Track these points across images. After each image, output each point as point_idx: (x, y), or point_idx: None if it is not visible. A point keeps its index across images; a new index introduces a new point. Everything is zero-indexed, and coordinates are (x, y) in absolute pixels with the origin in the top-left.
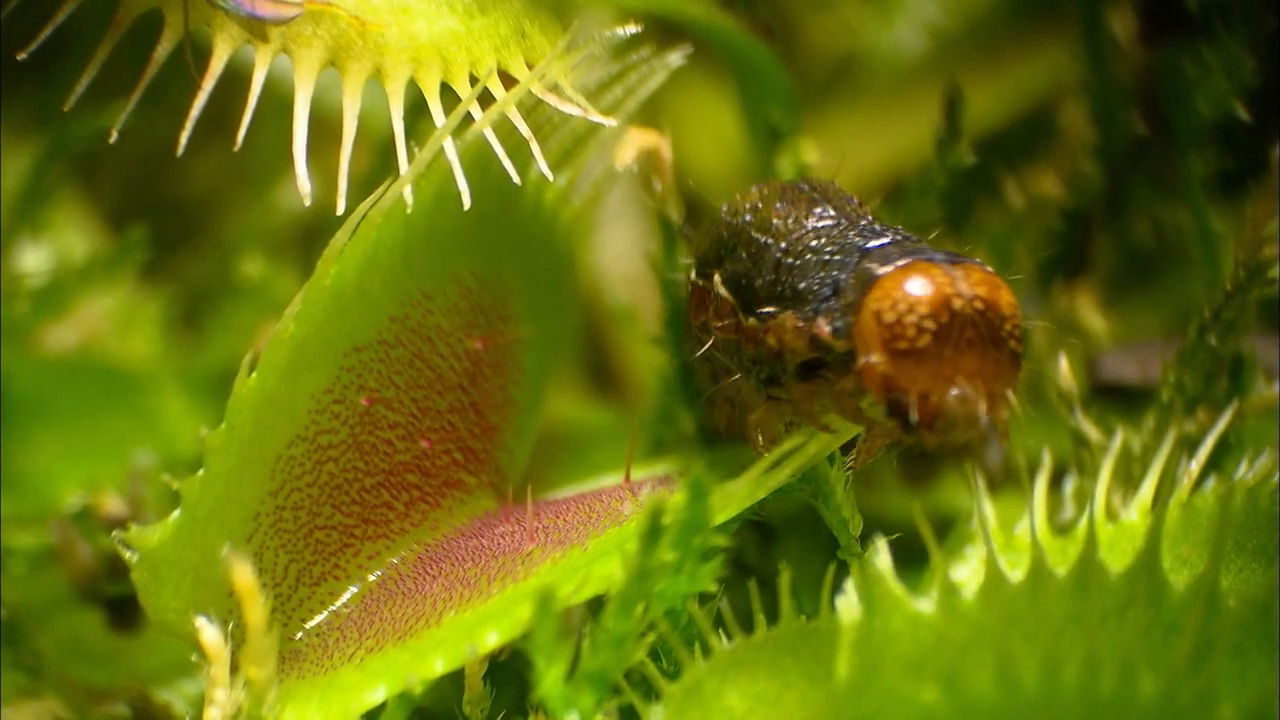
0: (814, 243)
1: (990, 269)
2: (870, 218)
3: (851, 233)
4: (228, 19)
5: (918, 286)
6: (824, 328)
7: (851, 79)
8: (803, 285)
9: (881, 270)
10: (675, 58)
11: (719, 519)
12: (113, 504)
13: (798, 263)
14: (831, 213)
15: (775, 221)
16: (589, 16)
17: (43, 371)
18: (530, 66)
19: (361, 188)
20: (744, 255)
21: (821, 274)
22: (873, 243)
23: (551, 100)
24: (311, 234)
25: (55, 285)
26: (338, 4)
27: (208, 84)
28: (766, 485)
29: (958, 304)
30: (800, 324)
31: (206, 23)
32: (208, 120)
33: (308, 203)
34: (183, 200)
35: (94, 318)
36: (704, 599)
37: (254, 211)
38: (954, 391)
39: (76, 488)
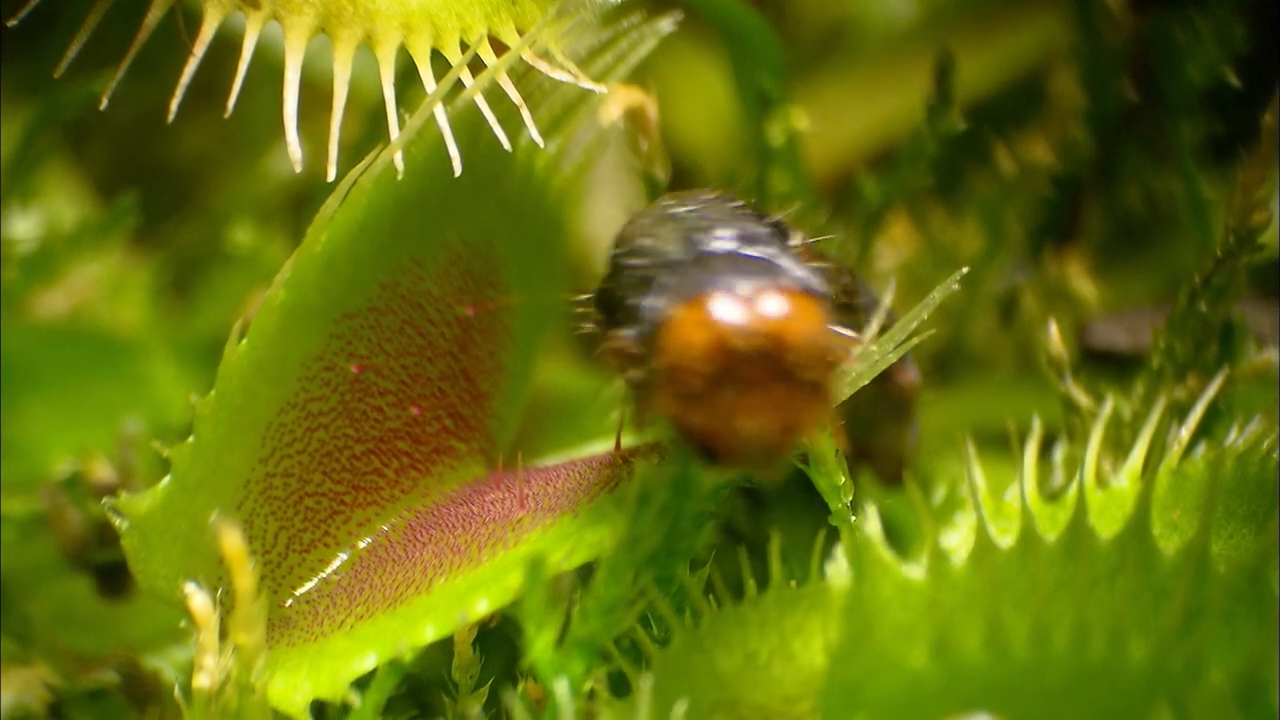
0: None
1: (799, 287)
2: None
3: (684, 242)
4: None
5: (695, 333)
6: (631, 350)
7: (842, 46)
8: (628, 302)
9: (667, 310)
10: (665, 24)
11: (709, 484)
12: (102, 471)
13: (628, 278)
14: (677, 227)
15: (638, 240)
16: None
17: (33, 338)
18: (521, 33)
19: (352, 154)
20: (611, 274)
21: (638, 294)
22: (699, 252)
23: (542, 67)
24: (301, 201)
25: (45, 252)
26: None
27: (198, 51)
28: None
29: (737, 344)
30: (616, 344)
31: None
32: (198, 87)
33: (299, 169)
34: (173, 167)
35: (84, 285)
36: (694, 565)
37: (244, 179)
38: (742, 427)
39: (66, 454)
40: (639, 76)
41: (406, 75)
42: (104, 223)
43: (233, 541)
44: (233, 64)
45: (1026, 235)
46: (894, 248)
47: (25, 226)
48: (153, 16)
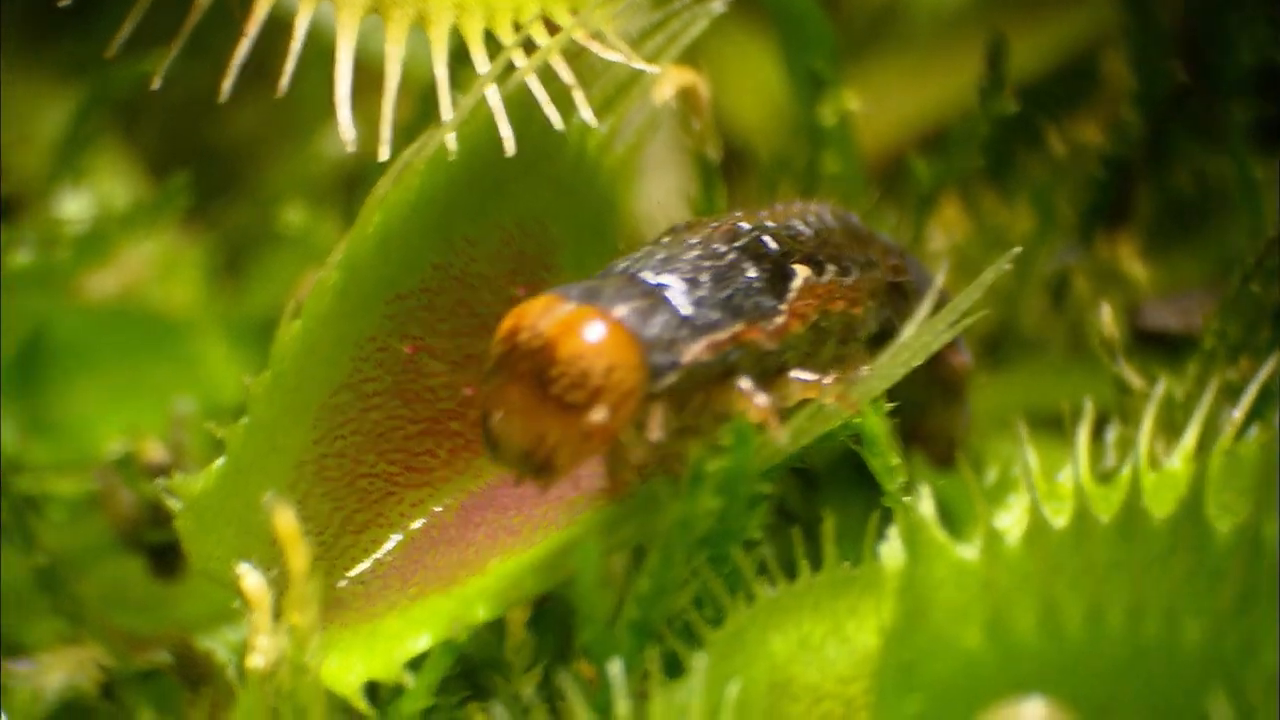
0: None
1: (599, 311)
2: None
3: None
4: None
5: (509, 316)
6: None
7: (893, 28)
8: None
9: None
10: (717, 4)
11: (762, 465)
12: (154, 451)
13: None
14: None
15: None
16: None
17: (84, 319)
18: (574, 13)
19: (403, 134)
20: None
21: None
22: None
23: (594, 48)
24: (353, 181)
25: (97, 232)
26: None
27: (251, 30)
28: (810, 432)
29: (522, 336)
30: None
31: None
32: (249, 67)
33: (351, 149)
34: (224, 148)
35: (135, 265)
36: (748, 546)
37: (295, 159)
38: (495, 418)
39: (117, 435)
40: (690, 57)
41: (457, 56)
42: (155, 203)
43: (287, 521)
44: (283, 43)
45: (1077, 217)
46: (945, 230)
47: (77, 207)
48: (198, 6)
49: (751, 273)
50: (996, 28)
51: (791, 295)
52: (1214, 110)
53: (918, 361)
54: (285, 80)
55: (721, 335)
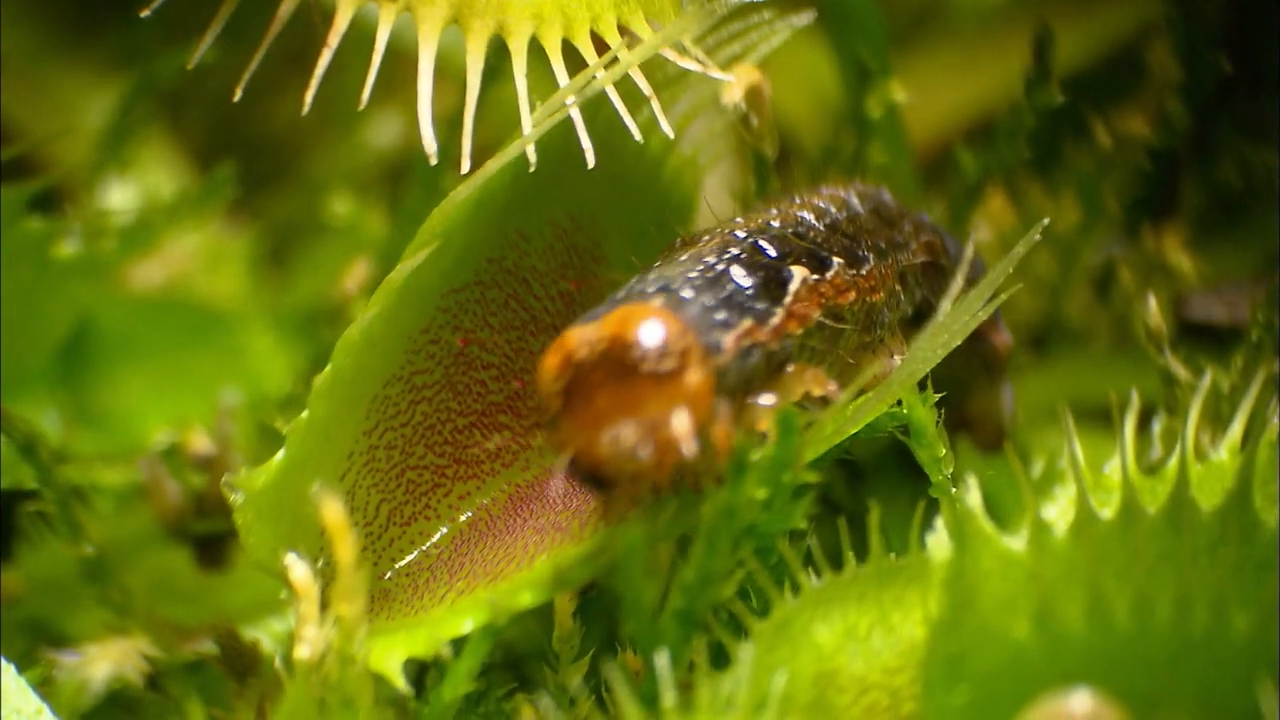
0: None
1: (637, 304)
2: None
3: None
4: None
5: (547, 359)
6: None
7: (938, 19)
8: None
9: None
10: (801, 19)
11: (808, 455)
12: (200, 442)
13: None
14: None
15: None
16: None
17: (129, 309)
18: (649, 20)
19: (445, 126)
20: None
21: None
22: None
23: (671, 56)
24: (398, 171)
25: (142, 223)
26: None
27: (333, 42)
28: (856, 421)
29: (580, 354)
30: None
31: None
32: (292, 57)
33: (434, 162)
34: (269, 138)
35: (181, 256)
36: (793, 537)
37: (341, 149)
38: (604, 435)
39: (163, 426)
40: (743, 54)
41: (499, 51)
42: (201, 193)
43: (334, 512)
44: (326, 35)
45: (1123, 209)
46: (991, 221)
47: (123, 197)
48: (285, 7)
49: (743, 280)
50: (1042, 19)
51: (788, 299)
52: (1260, 102)
53: (956, 342)
54: (366, 93)
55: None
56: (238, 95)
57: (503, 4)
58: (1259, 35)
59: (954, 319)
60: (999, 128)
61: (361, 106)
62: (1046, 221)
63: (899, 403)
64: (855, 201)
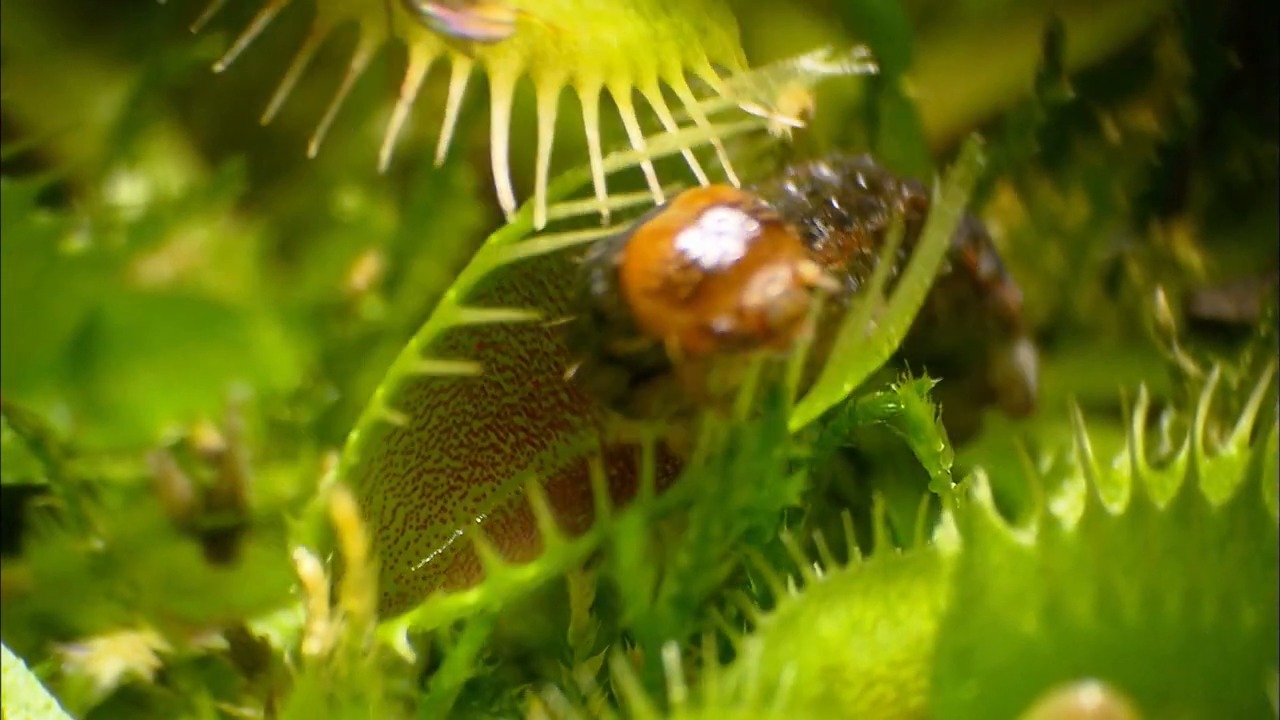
0: None
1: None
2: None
3: None
4: (427, 29)
5: (649, 243)
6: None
7: (947, 14)
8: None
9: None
10: (860, 63)
11: (798, 423)
12: (209, 437)
13: None
14: None
15: None
16: None
17: (138, 304)
18: (715, 64)
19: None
20: None
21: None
22: None
23: (740, 104)
24: (408, 166)
25: (151, 217)
26: (531, 12)
27: (408, 95)
28: (843, 387)
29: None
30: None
31: (403, 32)
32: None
33: (511, 218)
34: (278, 133)
35: (190, 250)
36: (792, 518)
37: (350, 144)
38: (754, 298)
39: (172, 420)
40: (745, 43)
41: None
42: (210, 188)
43: (344, 507)
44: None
45: (1132, 204)
46: (1000, 217)
47: (132, 192)
48: (360, 60)
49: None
50: (1051, 13)
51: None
52: (1269, 96)
53: (926, 282)
54: (442, 150)
55: None
56: (266, 118)
57: (573, 55)
58: (1267, 29)
59: (919, 263)
60: (1009, 123)
61: (438, 163)
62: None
63: (897, 398)
64: (826, 172)
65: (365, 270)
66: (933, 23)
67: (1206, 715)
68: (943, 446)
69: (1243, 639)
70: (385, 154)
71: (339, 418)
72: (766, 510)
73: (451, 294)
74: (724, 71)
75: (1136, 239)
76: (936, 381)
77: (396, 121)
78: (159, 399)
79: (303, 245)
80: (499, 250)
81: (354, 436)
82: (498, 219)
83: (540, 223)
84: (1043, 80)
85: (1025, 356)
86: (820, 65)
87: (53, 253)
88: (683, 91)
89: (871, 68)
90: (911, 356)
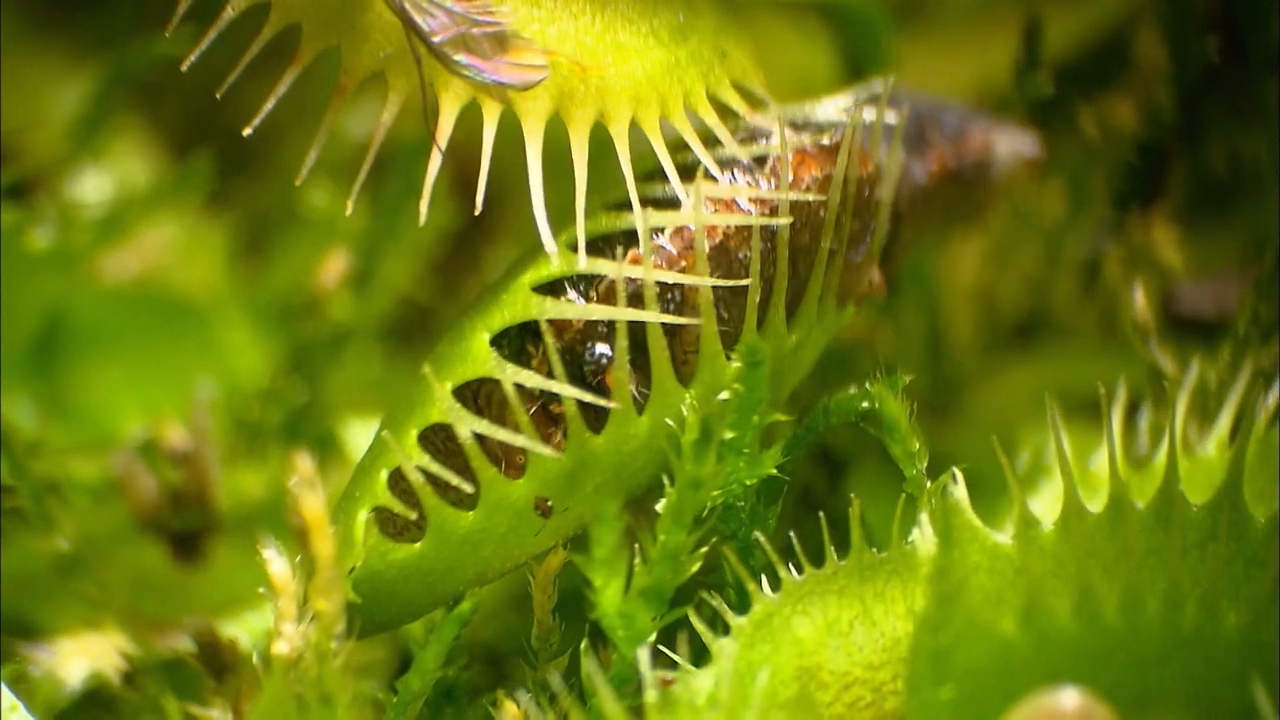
0: None
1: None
2: None
3: None
4: (455, 77)
5: None
6: None
7: (925, 8)
8: None
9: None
10: (892, 118)
11: (766, 419)
12: (176, 436)
13: None
14: None
15: None
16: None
17: (103, 301)
18: (738, 87)
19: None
20: None
21: None
22: None
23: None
24: (378, 163)
25: (116, 213)
26: (557, 51)
27: (441, 144)
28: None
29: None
30: None
31: (431, 81)
32: (270, 48)
33: (554, 256)
34: (245, 128)
35: (156, 247)
36: (771, 495)
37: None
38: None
39: (138, 418)
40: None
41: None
42: (176, 184)
43: (313, 507)
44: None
45: (1110, 200)
46: None
47: (96, 188)
48: (388, 114)
49: None
50: (1030, 8)
51: None
52: (1248, 89)
53: None
54: (480, 197)
55: None
56: (253, 126)
57: (602, 91)
58: (1246, 22)
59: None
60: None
61: (477, 211)
62: None
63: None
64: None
65: (334, 268)
66: (911, 17)
67: (1188, 718)
68: (918, 446)
69: (1224, 641)
70: (423, 209)
71: (308, 417)
72: (743, 479)
73: (484, 336)
74: (745, 91)
75: (1114, 236)
76: None
77: (433, 168)
78: (125, 397)
79: (270, 242)
80: (532, 301)
81: None
82: (469, 217)
83: (582, 266)
84: (1022, 75)
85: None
86: (841, 115)
87: (16, 249)
88: (709, 116)
89: (893, 119)
90: None
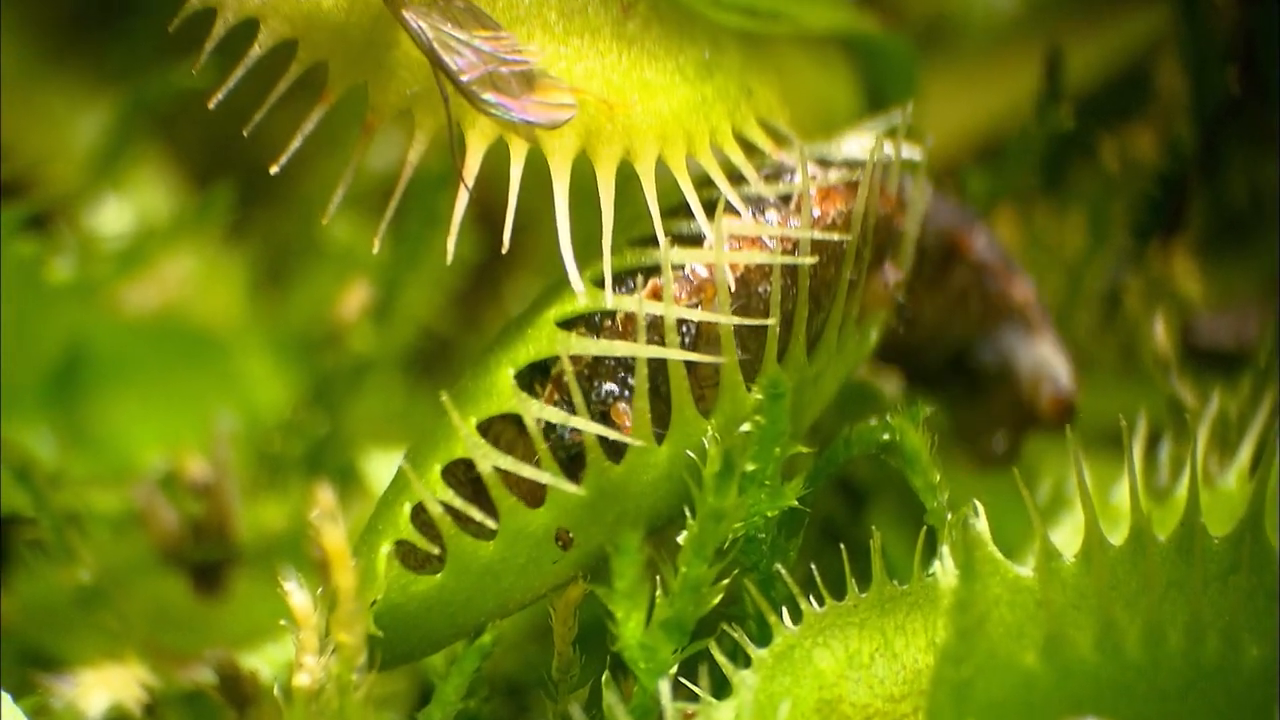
0: None
1: None
2: None
3: None
4: (482, 115)
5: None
6: None
7: (945, 39)
8: None
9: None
10: (916, 153)
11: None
12: (197, 468)
13: None
14: None
15: None
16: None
17: (124, 332)
18: (762, 123)
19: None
20: None
21: None
22: None
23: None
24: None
25: (136, 244)
26: (583, 89)
27: (469, 182)
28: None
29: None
30: None
31: (458, 119)
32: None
33: (580, 293)
34: (266, 159)
35: (176, 278)
36: (792, 528)
37: (338, 171)
38: None
39: (158, 450)
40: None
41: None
42: (196, 215)
43: (334, 539)
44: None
45: (1130, 231)
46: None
47: (117, 218)
48: (415, 153)
49: None
50: (1050, 39)
51: None
52: (1268, 120)
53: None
54: (507, 234)
55: None
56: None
57: (628, 129)
58: (1266, 53)
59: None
60: (1008, 150)
61: (505, 250)
62: None
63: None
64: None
65: (354, 300)
66: (933, 48)
67: None
68: (939, 477)
69: (1246, 674)
70: (451, 245)
71: (329, 449)
72: (764, 511)
73: (508, 371)
74: (769, 127)
75: (1134, 267)
76: (967, 398)
77: (460, 205)
78: (145, 428)
79: (290, 273)
80: (557, 337)
81: None
82: (490, 248)
83: (609, 303)
84: (1043, 107)
85: (1048, 351)
86: (864, 152)
87: (37, 280)
88: (734, 154)
89: (918, 155)
90: (929, 371)
